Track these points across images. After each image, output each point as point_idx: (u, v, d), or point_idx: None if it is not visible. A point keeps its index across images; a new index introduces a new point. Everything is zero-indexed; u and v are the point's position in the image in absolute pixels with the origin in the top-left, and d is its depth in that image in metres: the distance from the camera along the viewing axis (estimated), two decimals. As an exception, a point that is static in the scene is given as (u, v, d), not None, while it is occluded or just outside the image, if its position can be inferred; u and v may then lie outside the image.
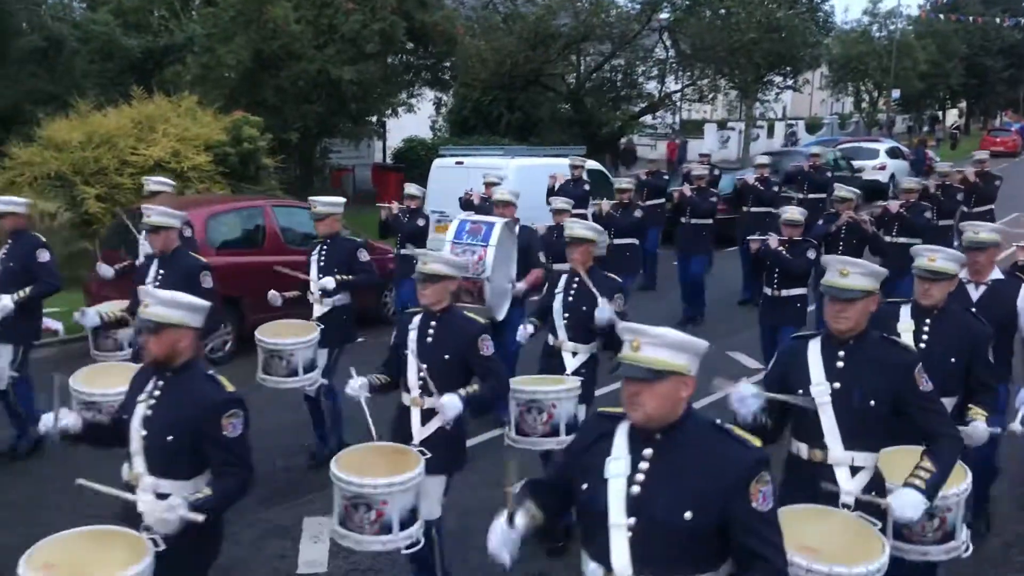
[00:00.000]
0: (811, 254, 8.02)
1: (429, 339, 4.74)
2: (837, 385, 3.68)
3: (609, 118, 27.68)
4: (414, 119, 25.13)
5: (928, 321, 4.67)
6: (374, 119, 23.44)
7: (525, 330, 6.04)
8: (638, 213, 10.81)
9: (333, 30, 18.66)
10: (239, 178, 14.67)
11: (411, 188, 10.16)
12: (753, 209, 12.86)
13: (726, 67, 29.02)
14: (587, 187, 12.14)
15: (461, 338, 4.70)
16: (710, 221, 11.96)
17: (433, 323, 4.77)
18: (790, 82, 32.79)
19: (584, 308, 5.75)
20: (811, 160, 14.81)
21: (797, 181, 14.43)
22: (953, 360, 4.53)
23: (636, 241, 10.91)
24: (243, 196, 13.03)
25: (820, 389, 3.69)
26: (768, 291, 8.22)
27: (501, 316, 7.46)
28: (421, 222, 9.89)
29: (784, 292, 8.09)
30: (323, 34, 18.76)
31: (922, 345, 4.56)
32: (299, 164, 20.36)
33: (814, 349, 3.79)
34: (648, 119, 31.05)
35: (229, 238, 10.32)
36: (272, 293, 7.03)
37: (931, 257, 4.63)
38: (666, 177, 14.58)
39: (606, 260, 10.35)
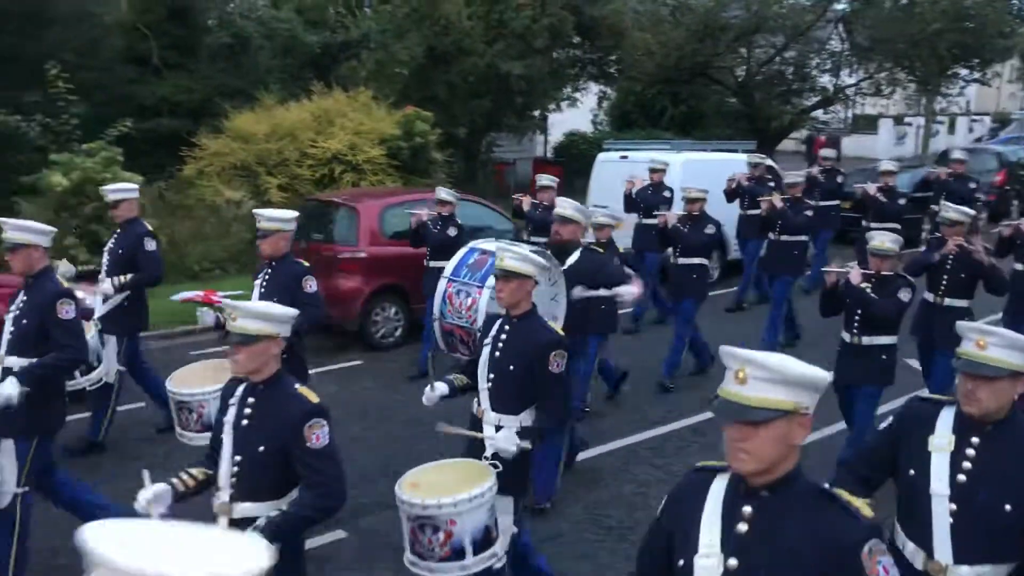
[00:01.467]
0: (904, 294, 6.23)
1: (245, 421, 3.51)
2: (733, 562, 2.30)
3: (779, 112, 26.80)
4: (574, 113, 25.16)
5: (976, 440, 3.09)
6: (537, 113, 23.60)
7: (433, 392, 4.63)
8: (710, 229, 8.98)
9: (503, 25, 18.90)
10: (410, 171, 15.08)
11: (442, 192, 9.32)
12: (872, 225, 10.48)
13: (906, 60, 27.52)
14: (667, 194, 11.12)
15: (282, 423, 3.41)
16: (804, 238, 10.40)
17: (251, 399, 3.51)
18: (977, 75, 30.72)
19: (512, 368, 4.43)
20: (952, 167, 12.47)
21: (933, 192, 12.34)
22: (1009, 508, 3.00)
23: (705, 261, 9.12)
24: (414, 189, 13.38)
25: (707, 564, 2.32)
26: (846, 337, 6.41)
27: None
28: (452, 232, 8.92)
29: (866, 340, 6.29)
30: (493, 29, 19.01)
31: (961, 476, 3.08)
32: (464, 158, 20.72)
33: (715, 495, 2.41)
34: (820, 114, 29.86)
35: (400, 229, 10.60)
36: (203, 310, 6.32)
37: (980, 341, 3.04)
38: (771, 184, 12.02)
39: (670, 280, 9.43)
